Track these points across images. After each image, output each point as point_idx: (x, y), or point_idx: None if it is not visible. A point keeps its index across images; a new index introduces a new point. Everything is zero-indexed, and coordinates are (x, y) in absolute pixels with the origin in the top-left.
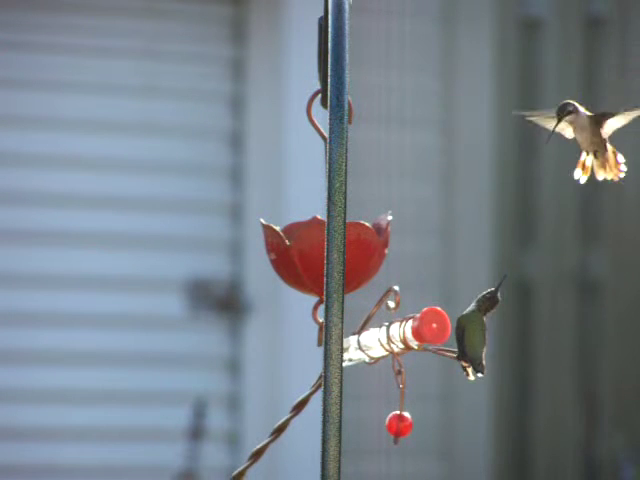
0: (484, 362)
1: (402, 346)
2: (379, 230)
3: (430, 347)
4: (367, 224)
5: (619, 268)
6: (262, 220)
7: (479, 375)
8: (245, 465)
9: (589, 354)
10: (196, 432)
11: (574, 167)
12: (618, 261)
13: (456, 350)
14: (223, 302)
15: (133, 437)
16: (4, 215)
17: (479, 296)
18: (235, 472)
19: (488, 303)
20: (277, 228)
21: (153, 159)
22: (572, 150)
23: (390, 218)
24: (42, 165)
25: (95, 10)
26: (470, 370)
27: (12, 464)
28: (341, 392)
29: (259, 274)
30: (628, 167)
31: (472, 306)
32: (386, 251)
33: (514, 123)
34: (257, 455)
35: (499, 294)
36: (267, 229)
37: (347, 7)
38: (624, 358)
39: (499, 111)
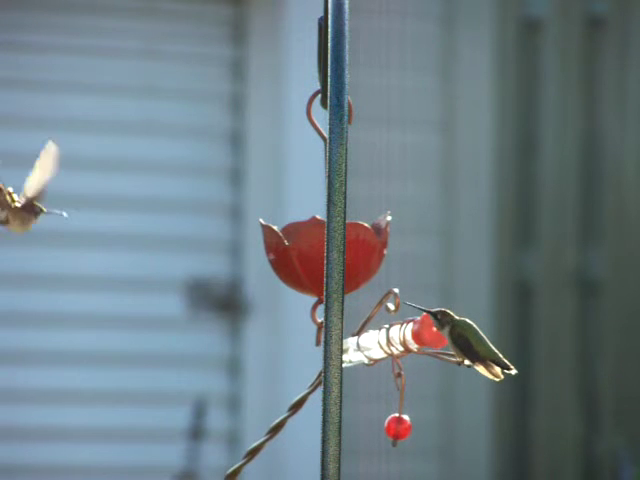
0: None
1: (402, 349)
2: (378, 230)
3: (430, 350)
4: (366, 224)
5: (619, 268)
6: (261, 220)
7: (512, 372)
8: (240, 464)
9: (589, 354)
10: (196, 432)
11: (574, 167)
12: (618, 261)
13: (457, 355)
14: (223, 302)
15: (133, 437)
16: None
17: (438, 315)
18: (229, 470)
19: (446, 318)
20: (276, 228)
21: (153, 159)
22: (572, 150)
23: (389, 218)
24: None
25: (95, 10)
26: (494, 371)
27: (12, 464)
28: (341, 392)
29: (259, 274)
30: (631, 164)
31: (445, 321)
32: (385, 251)
33: (514, 123)
34: (252, 454)
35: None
36: (266, 229)
37: (347, 7)
38: (624, 358)
39: (499, 111)
